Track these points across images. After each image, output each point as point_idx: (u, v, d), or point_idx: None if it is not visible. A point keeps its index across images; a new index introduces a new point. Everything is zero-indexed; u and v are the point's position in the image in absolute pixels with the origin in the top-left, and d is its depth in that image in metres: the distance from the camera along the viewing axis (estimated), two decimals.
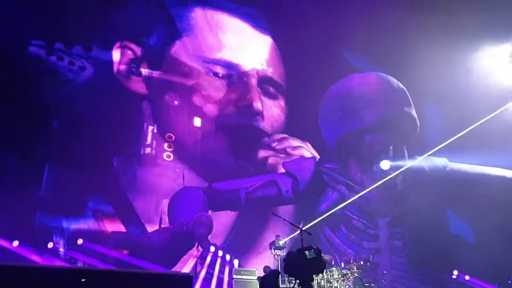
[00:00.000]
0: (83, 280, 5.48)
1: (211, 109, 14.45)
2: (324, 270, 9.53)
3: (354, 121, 12.50)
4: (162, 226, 12.13)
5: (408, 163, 13.05)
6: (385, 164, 12.52)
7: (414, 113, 12.83)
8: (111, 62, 13.49)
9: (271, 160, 13.92)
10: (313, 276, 8.29)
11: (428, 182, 13.11)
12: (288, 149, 14.08)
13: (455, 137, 12.27)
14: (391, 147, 12.61)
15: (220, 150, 14.15)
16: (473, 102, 12.98)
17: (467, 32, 12.68)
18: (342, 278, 10.43)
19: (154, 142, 13.80)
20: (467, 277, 11.90)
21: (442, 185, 13.06)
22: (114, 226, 12.10)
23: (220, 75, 14.74)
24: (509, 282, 11.24)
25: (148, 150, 13.66)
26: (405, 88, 12.94)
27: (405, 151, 13.13)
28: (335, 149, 13.21)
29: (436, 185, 13.04)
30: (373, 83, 13.01)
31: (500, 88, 13.86)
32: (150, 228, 12.34)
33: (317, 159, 13.69)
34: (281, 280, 9.94)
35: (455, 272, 12.04)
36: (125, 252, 10.91)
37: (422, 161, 13.36)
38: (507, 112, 13.89)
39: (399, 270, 12.77)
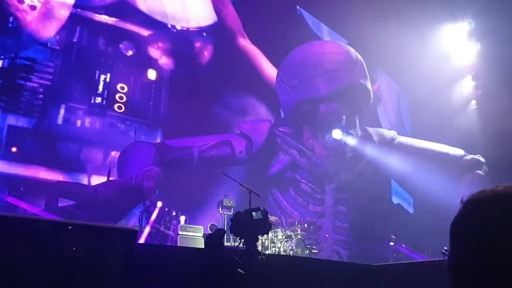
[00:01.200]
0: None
1: (167, 62, 14.06)
2: (270, 231, 9.73)
3: (310, 89, 12.49)
4: (111, 178, 11.89)
5: (359, 133, 13.31)
6: (336, 133, 12.70)
7: (369, 85, 12.99)
8: (63, 3, 12.74)
9: (227, 118, 13.81)
10: (258, 236, 8.45)
11: (376, 152, 13.46)
12: (246, 108, 14.00)
13: None
14: (344, 117, 12.77)
15: (174, 105, 13.88)
16: (428, 79, 13.27)
17: (425, 9, 12.78)
18: (286, 240, 10.69)
19: (106, 92, 13.36)
20: (403, 245, 12.49)
21: (388, 156, 13.47)
22: (59, 176, 11.77)
23: (179, 27, 14.29)
24: (444, 249, 11.84)
25: (98, 99, 13.21)
26: (362, 60, 13.01)
27: (357, 121, 13.34)
28: (290, 114, 13.25)
29: (383, 156, 13.43)
30: (331, 52, 12.97)
31: (456, 65, 14.21)
32: (97, 180, 12.10)
33: (272, 122, 13.71)
34: (226, 239, 10.05)
35: (392, 242, 12.61)
36: (70, 202, 10.65)
37: (372, 132, 13.66)
38: (460, 89, 14.32)
39: (341, 234, 13.23)
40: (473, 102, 14.14)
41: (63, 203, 10.76)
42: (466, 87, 14.31)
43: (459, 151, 13.80)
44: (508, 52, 11.91)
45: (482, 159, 13.46)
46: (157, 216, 11.14)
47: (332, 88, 12.36)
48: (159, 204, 11.32)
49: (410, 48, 13.08)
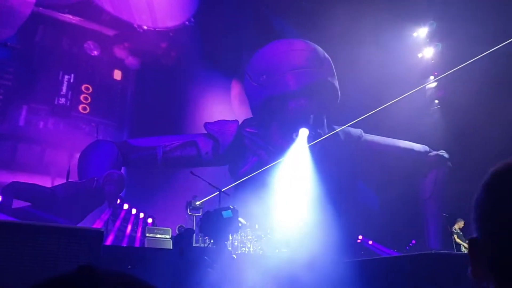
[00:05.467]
0: None
1: (133, 62, 13.85)
2: (239, 231, 9.71)
3: (279, 85, 12.43)
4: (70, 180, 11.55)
5: (326, 132, 13.39)
6: (304, 132, 12.74)
7: (336, 84, 13.08)
8: (24, 0, 12.39)
9: (193, 118, 13.66)
10: (229, 236, 8.42)
11: (343, 151, 13.58)
12: (212, 108, 13.87)
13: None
14: (311, 116, 12.82)
15: (140, 105, 13.69)
16: (391, 81, 13.51)
17: (385, 13, 13.02)
18: (256, 239, 10.68)
19: (70, 92, 13.05)
20: (370, 242, 12.68)
21: (355, 155, 13.63)
22: (21, 179, 11.38)
23: (145, 27, 14.10)
24: (410, 244, 12.17)
25: (62, 100, 12.89)
26: (329, 58, 13.12)
27: (325, 120, 13.43)
28: (259, 112, 13.18)
29: (350, 154, 13.58)
30: (299, 49, 12.99)
31: (418, 66, 14.57)
32: (61, 182, 11.75)
33: (239, 123, 13.64)
34: (196, 239, 9.98)
35: (360, 237, 12.78)
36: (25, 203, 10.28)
37: (339, 131, 13.77)
38: (423, 90, 14.66)
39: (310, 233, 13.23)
40: (436, 101, 14.51)
41: (18, 204, 10.38)
42: (429, 87, 14.67)
43: (423, 148, 14.10)
44: (468, 52, 12.26)
45: (446, 155, 13.79)
46: (123, 218, 10.94)
47: (301, 84, 12.36)
48: (126, 206, 11.12)
49: (370, 51, 13.22)
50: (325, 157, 13.31)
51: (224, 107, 14.55)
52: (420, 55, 14.68)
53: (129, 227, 10.83)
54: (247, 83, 13.24)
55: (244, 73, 13.46)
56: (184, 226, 10.77)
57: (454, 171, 13.24)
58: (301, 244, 12.61)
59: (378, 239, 12.59)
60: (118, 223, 10.77)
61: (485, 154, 10.51)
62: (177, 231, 10.53)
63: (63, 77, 12.99)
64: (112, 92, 13.69)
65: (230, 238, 9.10)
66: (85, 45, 13.41)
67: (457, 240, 10.65)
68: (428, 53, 14.55)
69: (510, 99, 11.39)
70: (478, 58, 11.07)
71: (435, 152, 13.92)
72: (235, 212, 7.82)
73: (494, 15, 11.70)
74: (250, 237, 10.66)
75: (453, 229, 10.86)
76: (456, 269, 5.55)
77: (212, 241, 8.12)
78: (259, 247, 10.56)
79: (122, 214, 10.91)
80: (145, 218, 11.30)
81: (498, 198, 0.91)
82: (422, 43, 14.64)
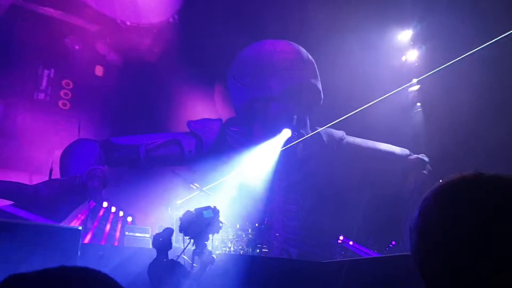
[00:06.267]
0: None
1: (115, 58, 13.65)
2: (220, 231, 9.63)
3: (262, 88, 12.41)
4: (53, 178, 11.38)
5: (309, 133, 13.41)
6: (286, 133, 12.75)
7: (319, 86, 13.11)
8: None
9: (177, 116, 13.54)
10: (209, 236, 8.34)
11: (325, 152, 13.62)
12: (196, 106, 13.78)
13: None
14: (295, 117, 12.84)
15: (122, 102, 13.50)
16: (373, 81, 13.56)
17: (371, 12, 13.05)
18: (237, 239, 10.65)
19: (50, 88, 12.83)
20: (350, 243, 12.73)
21: (337, 156, 13.68)
22: None
23: (128, 23, 13.91)
24: (390, 246, 12.25)
25: (42, 95, 12.67)
26: (313, 60, 13.13)
27: (308, 121, 13.45)
28: (242, 112, 13.15)
29: (332, 156, 13.62)
30: (283, 51, 12.97)
31: (401, 69, 14.65)
32: (39, 179, 11.56)
33: (222, 121, 13.57)
34: (175, 239, 9.88)
35: (341, 238, 12.82)
36: (8, 202, 10.10)
37: (322, 132, 13.81)
38: (404, 93, 14.77)
39: (291, 233, 13.27)
40: (418, 104, 14.61)
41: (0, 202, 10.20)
42: (412, 89, 14.75)
43: (404, 151, 14.21)
44: (451, 53, 12.34)
45: (426, 159, 13.91)
46: (102, 216, 10.81)
47: (284, 87, 12.36)
48: (105, 204, 10.99)
49: (353, 53, 13.23)
50: (307, 158, 13.34)
51: (207, 105, 14.45)
52: (403, 58, 14.76)
53: (108, 226, 10.70)
54: (231, 82, 13.19)
55: (228, 72, 13.39)
56: (164, 225, 10.67)
57: (434, 174, 13.36)
58: (282, 243, 12.66)
59: (358, 240, 12.64)
60: (96, 222, 10.63)
61: (465, 158, 10.65)
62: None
63: (42, 72, 12.77)
64: (94, 88, 13.48)
65: (211, 237, 9.03)
66: (66, 40, 13.19)
67: None
68: (412, 55, 14.62)
69: (491, 102, 11.53)
70: (462, 61, 11.16)
71: (415, 156, 14.04)
72: (216, 212, 7.74)
73: (479, 18, 11.80)
74: (231, 237, 10.63)
75: None
76: None
77: (192, 241, 8.04)
78: (240, 247, 10.53)
79: (101, 212, 10.78)
80: (124, 217, 11.19)
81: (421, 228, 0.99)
82: (406, 45, 14.70)
